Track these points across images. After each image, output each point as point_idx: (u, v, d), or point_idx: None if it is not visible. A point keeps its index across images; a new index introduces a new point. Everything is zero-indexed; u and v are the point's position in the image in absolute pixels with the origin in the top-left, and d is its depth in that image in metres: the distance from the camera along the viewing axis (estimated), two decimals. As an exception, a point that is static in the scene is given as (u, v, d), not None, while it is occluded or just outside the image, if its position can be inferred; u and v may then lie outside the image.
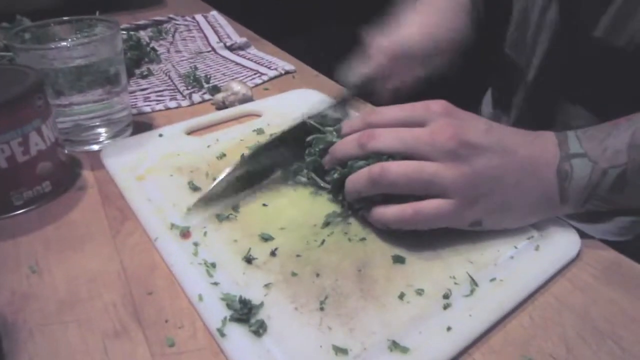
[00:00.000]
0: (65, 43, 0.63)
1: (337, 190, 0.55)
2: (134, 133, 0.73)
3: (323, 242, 0.51)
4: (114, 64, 0.66)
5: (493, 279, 0.47)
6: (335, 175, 0.53)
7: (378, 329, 0.41)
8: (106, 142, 0.70)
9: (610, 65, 0.61)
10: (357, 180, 0.49)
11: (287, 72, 0.96)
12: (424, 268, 0.48)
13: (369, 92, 0.65)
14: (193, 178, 0.61)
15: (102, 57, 0.64)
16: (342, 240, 0.51)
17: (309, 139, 0.58)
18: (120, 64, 0.68)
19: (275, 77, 0.94)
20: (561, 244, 0.51)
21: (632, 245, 0.56)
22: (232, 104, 0.80)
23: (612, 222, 0.70)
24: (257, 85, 0.91)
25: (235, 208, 0.56)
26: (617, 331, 0.43)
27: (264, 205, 0.56)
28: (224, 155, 0.66)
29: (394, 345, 0.40)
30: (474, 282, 0.46)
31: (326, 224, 0.53)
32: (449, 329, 0.42)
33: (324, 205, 0.56)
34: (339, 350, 0.39)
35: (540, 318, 0.44)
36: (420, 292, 0.45)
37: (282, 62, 0.99)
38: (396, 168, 0.46)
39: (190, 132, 0.73)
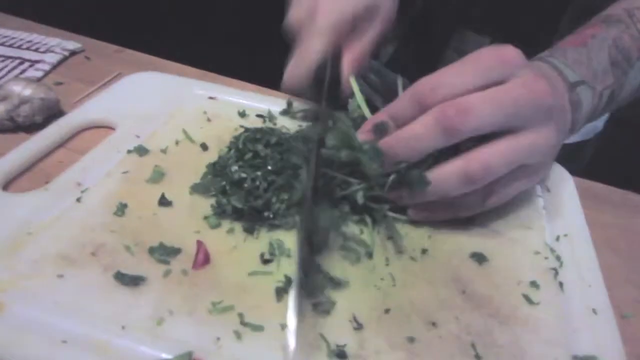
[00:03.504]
0: None
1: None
2: None
3: (394, 280, 0.38)
4: None
5: (558, 237, 0.44)
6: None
7: (547, 350, 0.34)
8: None
9: None
10: (445, 180, 0.37)
11: (73, 53, 0.66)
12: (506, 256, 0.42)
13: (327, 81, 0.49)
14: (111, 264, 0.36)
15: None
16: (407, 264, 0.39)
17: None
18: None
19: (60, 62, 0.64)
20: (557, 176, 0.52)
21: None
22: (29, 119, 0.50)
23: None
24: (39, 79, 0.60)
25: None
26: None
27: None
28: (125, 206, 0.41)
29: (579, 361, 0.34)
30: (552, 250, 0.43)
31: (369, 254, 0.40)
32: (594, 311, 0.38)
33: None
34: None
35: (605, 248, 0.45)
36: (535, 285, 0.39)
37: (55, 40, 0.67)
38: (499, 160, 0.37)
39: (6, 186, 0.43)
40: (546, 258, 0.42)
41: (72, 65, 0.65)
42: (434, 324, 0.35)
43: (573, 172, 0.53)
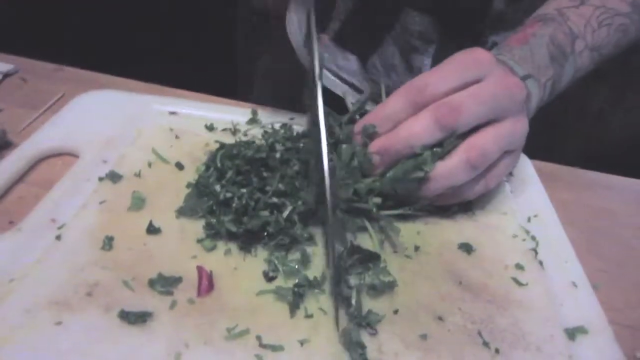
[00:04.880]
0: None
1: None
2: None
3: (395, 280, 0.39)
4: None
5: (529, 219, 0.48)
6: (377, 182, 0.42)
7: (543, 327, 0.37)
8: None
9: None
10: (451, 171, 0.41)
11: (6, 75, 0.62)
12: (490, 242, 0.44)
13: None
14: (111, 303, 0.34)
15: None
16: (404, 263, 0.41)
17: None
18: None
19: (-7, 87, 0.60)
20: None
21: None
22: None
23: None
24: (-27, 108, 0.56)
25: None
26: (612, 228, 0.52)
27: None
28: (112, 239, 0.39)
29: (570, 333, 0.37)
30: (527, 231, 0.46)
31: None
32: (574, 284, 0.41)
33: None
34: None
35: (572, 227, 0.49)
36: (520, 267, 0.42)
37: (-18, 62, 0.62)
38: (495, 142, 0.41)
39: (-29, 233, 0.39)
40: (524, 240, 0.45)
41: (8, 88, 0.60)
42: (440, 318, 0.37)
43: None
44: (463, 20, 0.68)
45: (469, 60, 0.42)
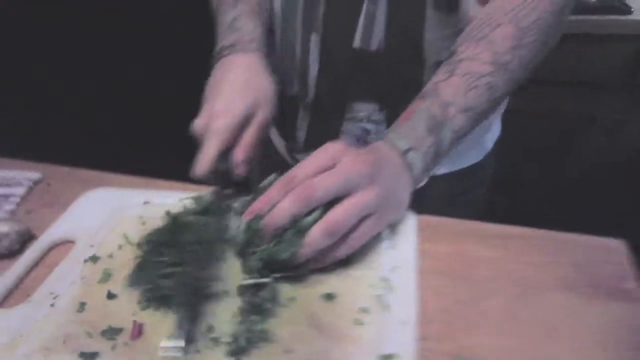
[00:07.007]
0: None
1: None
2: None
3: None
4: None
5: (392, 269, 0.63)
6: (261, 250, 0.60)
7: (364, 357, 0.53)
8: None
9: (369, 67, 0.84)
10: (313, 239, 0.58)
11: (36, 182, 0.86)
12: (349, 291, 0.61)
13: (226, 169, 0.70)
14: (76, 348, 0.55)
15: None
16: (278, 311, 0.58)
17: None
18: None
19: (27, 193, 0.83)
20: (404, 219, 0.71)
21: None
22: (9, 249, 0.68)
23: None
24: (13, 211, 0.79)
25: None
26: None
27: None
28: (84, 304, 0.60)
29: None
30: (385, 280, 0.62)
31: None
32: (404, 322, 0.57)
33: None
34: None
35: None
36: (365, 310, 0.58)
37: (14, 172, 0.86)
38: (345, 212, 0.58)
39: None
40: (379, 287, 0.61)
41: (38, 195, 0.83)
42: (288, 351, 0.54)
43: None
44: (404, 97, 0.82)
45: (324, 153, 0.61)
